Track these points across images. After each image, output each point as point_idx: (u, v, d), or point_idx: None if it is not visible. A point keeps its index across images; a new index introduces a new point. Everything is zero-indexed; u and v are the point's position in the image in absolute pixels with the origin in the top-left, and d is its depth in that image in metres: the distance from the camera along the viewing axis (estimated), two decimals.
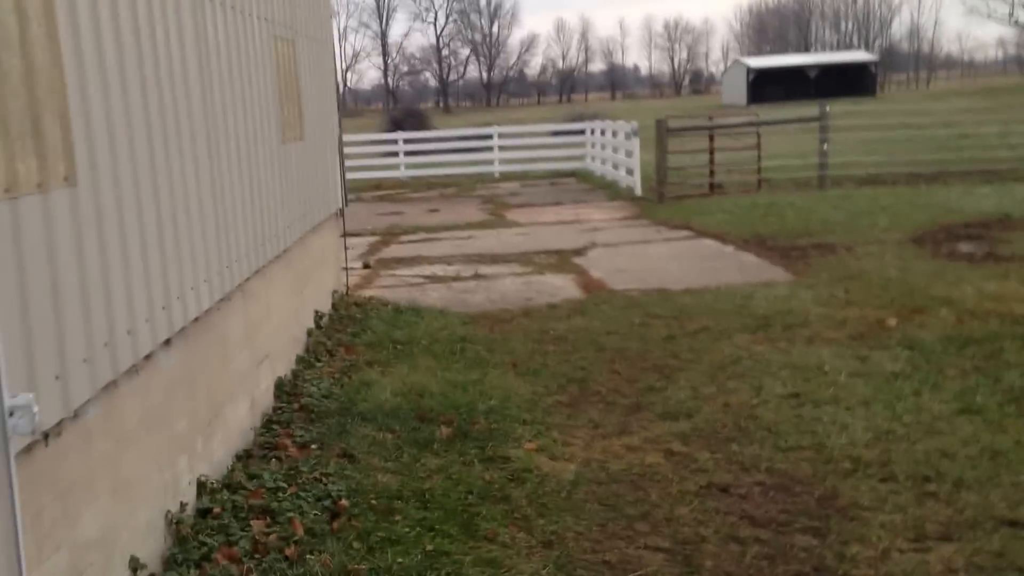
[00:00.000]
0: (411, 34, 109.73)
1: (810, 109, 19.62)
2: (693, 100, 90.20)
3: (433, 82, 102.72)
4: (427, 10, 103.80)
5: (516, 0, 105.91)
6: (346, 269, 9.89)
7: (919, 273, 9.29)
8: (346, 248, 9.88)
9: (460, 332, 7.96)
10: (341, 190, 9.25)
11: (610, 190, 20.51)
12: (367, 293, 9.90)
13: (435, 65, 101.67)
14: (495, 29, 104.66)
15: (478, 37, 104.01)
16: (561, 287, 10.10)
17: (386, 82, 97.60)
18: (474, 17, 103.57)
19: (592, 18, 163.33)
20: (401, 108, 59.93)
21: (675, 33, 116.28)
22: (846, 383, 6.20)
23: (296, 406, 5.87)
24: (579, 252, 12.37)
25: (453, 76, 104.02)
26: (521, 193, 21.55)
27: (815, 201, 14.93)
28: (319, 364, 6.78)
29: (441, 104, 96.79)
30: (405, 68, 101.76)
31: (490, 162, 25.95)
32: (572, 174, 24.94)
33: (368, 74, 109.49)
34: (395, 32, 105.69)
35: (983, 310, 7.70)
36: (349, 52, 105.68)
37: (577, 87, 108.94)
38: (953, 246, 10.68)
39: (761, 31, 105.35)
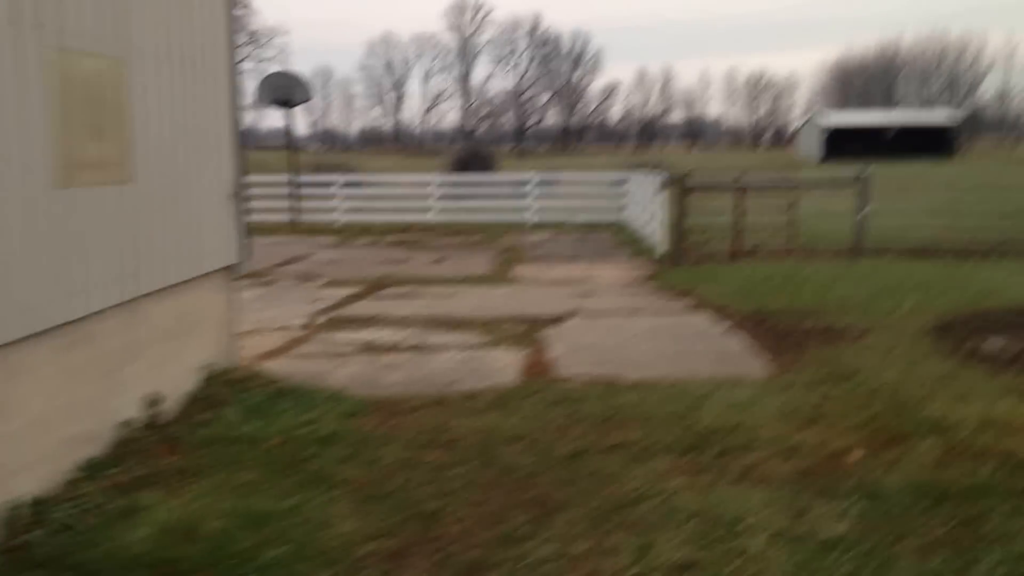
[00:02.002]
0: (493, 78, 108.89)
1: (882, 168, 17.83)
2: (769, 155, 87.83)
3: (511, 125, 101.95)
4: (510, 55, 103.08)
5: (599, 48, 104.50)
6: (252, 333, 8.51)
7: (922, 379, 7.54)
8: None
9: (332, 428, 6.48)
10: (236, 242, 7.87)
11: (636, 247, 18.93)
12: (268, 365, 8.49)
13: (514, 109, 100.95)
14: (576, 75, 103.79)
15: (559, 83, 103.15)
16: (501, 368, 8.57)
17: (462, 124, 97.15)
18: (556, 63, 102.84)
19: (674, 68, 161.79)
20: (467, 149, 59.06)
21: (757, 86, 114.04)
22: (762, 552, 4.57)
23: (15, 543, 4.44)
24: (554, 321, 10.83)
25: (533, 120, 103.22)
26: (544, 245, 20.07)
27: (841, 273, 13.15)
28: (110, 472, 5.33)
29: (517, 147, 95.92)
30: (485, 111, 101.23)
31: (524, 210, 24.52)
32: (609, 227, 23.40)
33: (449, 116, 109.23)
34: (477, 75, 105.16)
35: (980, 445, 5.95)
36: (432, 93, 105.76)
37: (656, 136, 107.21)
38: (979, 341, 8.87)
39: (845, 87, 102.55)
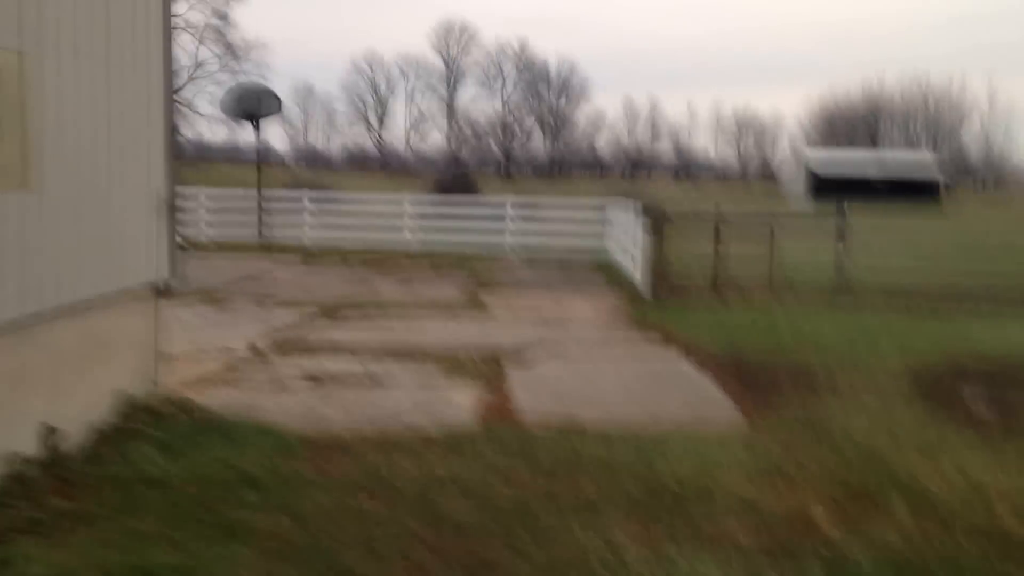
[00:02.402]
0: (477, 100, 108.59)
1: (867, 215, 17.36)
2: (756, 189, 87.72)
3: (496, 150, 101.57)
4: (495, 78, 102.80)
5: (585, 75, 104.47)
6: (170, 358, 7.88)
7: (896, 432, 6.96)
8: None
9: (255, 469, 5.83)
10: (165, 257, 7.25)
11: (615, 278, 18.38)
12: (199, 394, 7.84)
13: (499, 133, 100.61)
14: (562, 102, 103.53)
15: (545, 109, 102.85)
16: (457, 405, 7.97)
17: (448, 146, 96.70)
18: (542, 88, 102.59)
19: (660, 99, 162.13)
20: (450, 172, 58.67)
21: (742, 120, 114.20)
22: None
23: None
24: (518, 353, 10.22)
25: (517, 145, 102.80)
26: (519, 272, 19.50)
27: (820, 315, 12.61)
28: None
29: (502, 172, 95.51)
30: (469, 133, 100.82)
31: (501, 234, 23.95)
32: (590, 255, 22.84)
33: (432, 136, 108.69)
34: (462, 97, 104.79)
35: (955, 510, 5.37)
36: (414, 113, 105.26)
37: (642, 166, 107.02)
38: (958, 392, 8.33)
39: (830, 126, 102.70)
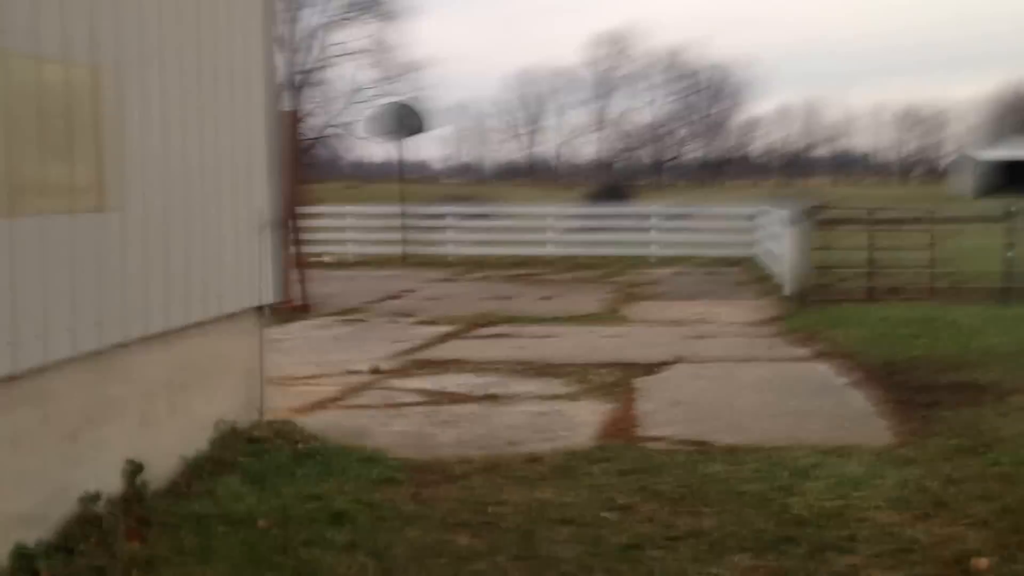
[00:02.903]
0: (630, 110, 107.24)
1: None
2: (920, 189, 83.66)
3: (649, 159, 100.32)
4: (648, 88, 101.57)
5: (739, 81, 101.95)
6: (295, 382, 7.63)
7: None
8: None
9: (345, 506, 5.41)
10: (270, 280, 7.00)
11: (765, 284, 17.49)
12: (309, 419, 7.55)
13: (653, 142, 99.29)
14: (717, 109, 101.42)
15: (699, 116, 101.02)
16: (577, 425, 7.45)
17: (600, 157, 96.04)
18: (695, 97, 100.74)
19: (818, 102, 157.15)
20: (603, 181, 58.12)
21: (907, 120, 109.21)
22: None
23: None
24: (652, 369, 9.62)
25: (672, 154, 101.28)
26: (664, 282, 18.81)
27: (987, 319, 11.50)
28: (44, 564, 4.34)
29: (656, 180, 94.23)
30: (622, 144, 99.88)
31: (647, 244, 23.26)
32: (740, 262, 21.92)
33: (586, 149, 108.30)
34: (615, 108, 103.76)
35: None
36: (569, 127, 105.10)
37: (800, 168, 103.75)
38: None
39: (1003, 122, 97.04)
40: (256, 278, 6.84)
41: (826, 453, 6.37)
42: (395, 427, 7.41)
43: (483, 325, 12.99)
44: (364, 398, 8.45)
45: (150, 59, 5.38)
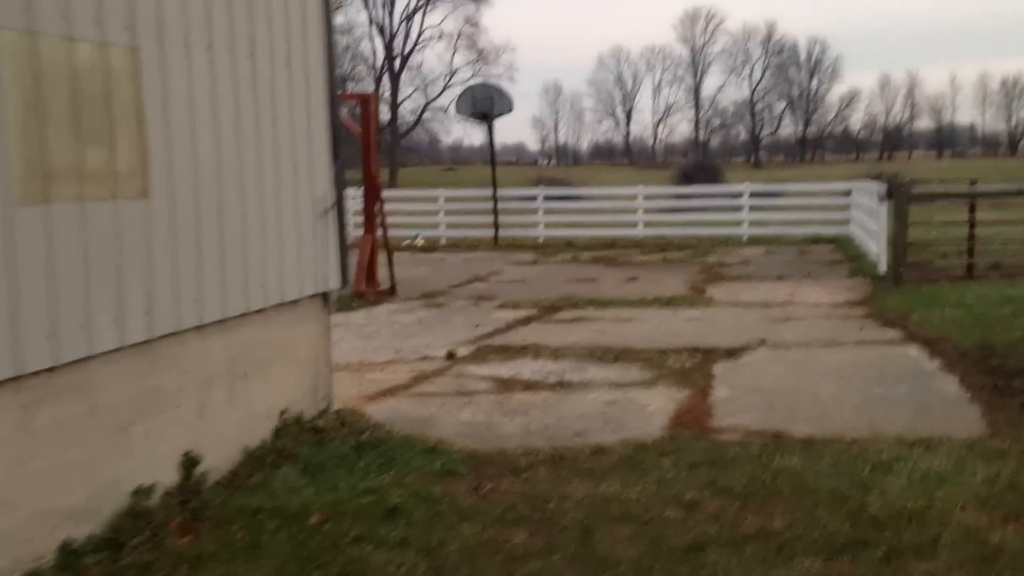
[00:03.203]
0: (726, 88, 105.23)
1: None
2: None
3: (745, 136, 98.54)
4: (743, 64, 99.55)
5: (838, 54, 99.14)
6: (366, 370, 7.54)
7: None
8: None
9: (401, 500, 5.28)
10: (334, 266, 6.91)
11: (856, 264, 16.91)
12: (375, 407, 7.48)
13: (748, 119, 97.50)
14: (814, 84, 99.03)
15: (795, 91, 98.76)
16: (649, 414, 7.22)
17: (694, 136, 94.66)
18: (792, 72, 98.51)
19: (920, 74, 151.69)
20: (693, 161, 57.31)
21: (1014, 91, 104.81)
22: None
23: None
24: (733, 353, 9.32)
25: (767, 130, 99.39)
26: (753, 262, 18.34)
27: None
28: (93, 559, 4.28)
29: (752, 159, 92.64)
30: (717, 122, 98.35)
31: (738, 223, 22.73)
32: (833, 240, 21.28)
33: (680, 128, 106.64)
34: (709, 86, 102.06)
35: None
36: (662, 106, 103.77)
37: (901, 145, 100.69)
38: None
39: None
40: (319, 265, 6.75)
41: (911, 445, 6.03)
42: (463, 416, 7.28)
43: (564, 308, 12.79)
44: (435, 385, 8.34)
45: (196, 40, 5.29)
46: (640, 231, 22.96)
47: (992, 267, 14.37)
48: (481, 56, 71.49)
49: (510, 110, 22.78)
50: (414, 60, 71.19)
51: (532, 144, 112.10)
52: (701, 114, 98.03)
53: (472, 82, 67.78)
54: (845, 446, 6.09)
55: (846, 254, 18.85)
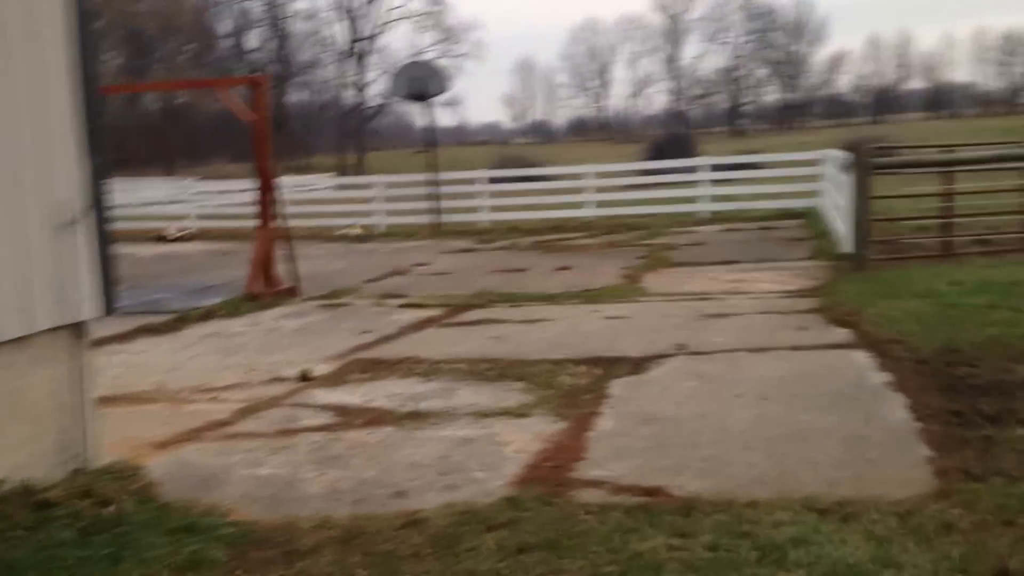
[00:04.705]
0: (705, 56, 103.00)
1: None
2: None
3: (726, 105, 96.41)
4: (721, 31, 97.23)
5: (824, 15, 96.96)
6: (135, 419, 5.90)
7: None
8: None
9: None
10: (87, 288, 5.24)
11: (820, 243, 15.30)
12: (165, 457, 5.84)
13: (728, 88, 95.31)
14: (798, 47, 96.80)
15: (777, 56, 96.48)
16: (503, 459, 5.61)
17: (672, 107, 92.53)
18: (774, 35, 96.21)
19: (912, 33, 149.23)
20: (665, 134, 55.66)
21: (1011, 47, 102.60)
22: None
23: None
24: (640, 365, 7.71)
25: (748, 99, 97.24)
26: (707, 243, 16.73)
27: None
28: None
29: (732, 127, 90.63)
30: (696, 92, 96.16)
31: (694, 199, 21.09)
32: (803, 215, 19.66)
33: (657, 100, 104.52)
34: (687, 55, 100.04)
35: None
36: (638, 78, 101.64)
37: (892, 107, 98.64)
38: None
39: None
40: (62, 290, 5.10)
41: (823, 514, 4.41)
42: (265, 469, 5.63)
43: (474, 307, 11.16)
44: (260, 421, 6.68)
45: None
46: (590, 212, 21.32)
47: (976, 242, 12.79)
48: (448, 35, 69.58)
49: (445, 89, 21.12)
50: (380, 42, 69.17)
51: (506, 122, 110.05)
52: (679, 85, 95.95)
53: (437, 63, 66.09)
54: (734, 515, 4.46)
55: (813, 231, 17.26)
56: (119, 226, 24.26)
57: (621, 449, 5.67)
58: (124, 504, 4.91)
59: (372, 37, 67.95)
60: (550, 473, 5.35)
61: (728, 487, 4.90)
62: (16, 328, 4.79)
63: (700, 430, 5.94)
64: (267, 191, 12.90)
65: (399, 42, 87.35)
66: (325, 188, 31.23)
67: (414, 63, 22.64)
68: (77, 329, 5.25)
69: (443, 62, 67.07)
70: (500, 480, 5.25)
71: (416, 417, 6.57)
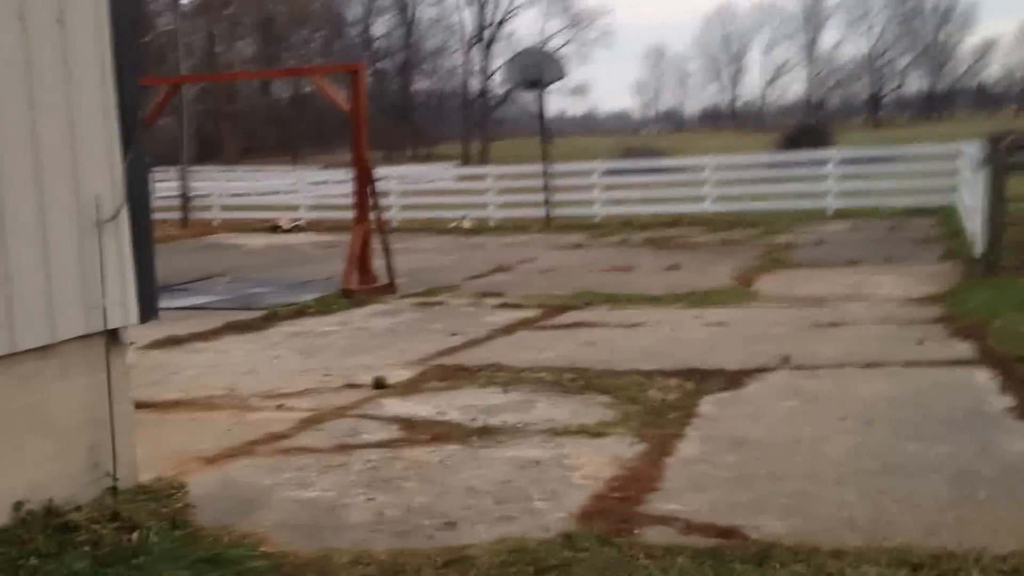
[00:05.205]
0: (843, 43, 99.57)
1: None
2: None
3: (865, 94, 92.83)
4: (862, 18, 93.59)
5: (972, 2, 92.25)
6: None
7: None
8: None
9: None
10: (119, 293, 4.96)
11: (954, 243, 14.28)
12: (212, 473, 5.54)
13: (868, 76, 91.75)
14: (943, 35, 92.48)
15: (922, 43, 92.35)
16: (570, 487, 5.13)
17: (808, 96, 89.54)
18: (918, 23, 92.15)
19: None
20: (798, 123, 53.86)
21: None
22: None
23: None
24: (737, 380, 7.12)
25: (890, 87, 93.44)
26: (830, 242, 15.83)
27: None
28: None
29: (871, 117, 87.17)
30: (833, 81, 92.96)
31: (822, 195, 20.09)
32: (938, 212, 18.48)
33: (793, 88, 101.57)
34: (825, 42, 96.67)
35: None
36: (773, 65, 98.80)
37: None
38: None
39: None
40: (95, 295, 4.83)
41: (915, 570, 3.80)
42: (311, 491, 5.27)
43: (572, 308, 10.68)
44: (320, 434, 6.33)
45: None
46: (709, 206, 20.52)
47: None
48: (575, 21, 68.94)
49: (560, 77, 20.61)
50: (505, 30, 68.90)
51: (635, 111, 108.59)
52: (816, 73, 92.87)
53: (565, 50, 65.53)
54: (815, 567, 3.90)
55: (947, 230, 16.18)
56: (237, 216, 24.48)
57: (700, 479, 5.12)
58: (149, 530, 4.59)
59: (499, 24, 67.82)
60: (617, 505, 4.84)
61: (813, 530, 4.32)
62: (38, 336, 4.53)
63: (791, 459, 5.34)
64: (364, 183, 12.65)
65: (526, 29, 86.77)
66: (444, 179, 31.10)
67: (528, 50, 22.19)
68: (111, 337, 4.98)
69: (569, 49, 66.60)
70: (561, 512, 4.77)
71: (485, 433, 6.13)
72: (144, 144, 5.08)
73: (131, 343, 9.34)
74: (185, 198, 24.51)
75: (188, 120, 25.76)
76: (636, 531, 4.49)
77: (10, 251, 4.37)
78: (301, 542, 4.56)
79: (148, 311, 5.20)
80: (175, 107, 26.44)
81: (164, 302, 12.33)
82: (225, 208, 25.39)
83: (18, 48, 4.38)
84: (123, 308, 4.99)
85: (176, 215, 24.52)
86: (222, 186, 28.24)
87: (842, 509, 4.58)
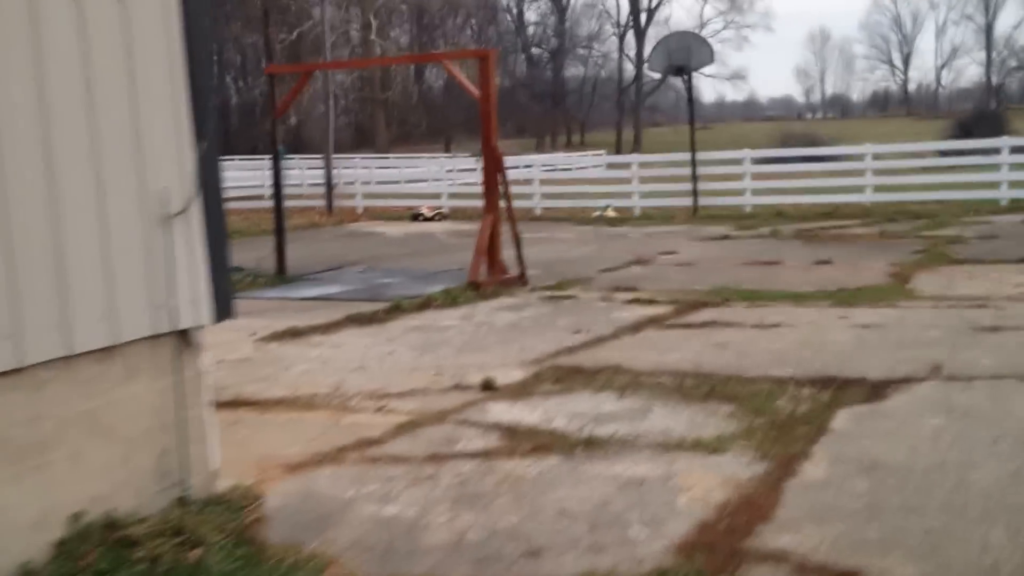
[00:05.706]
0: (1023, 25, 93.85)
1: None
2: None
3: None
4: None
5: None
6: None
7: None
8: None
9: None
10: (188, 291, 4.68)
11: None
12: (293, 482, 5.22)
13: None
14: None
15: None
16: (674, 512, 4.59)
17: (988, 79, 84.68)
18: None
19: None
20: (972, 109, 50.98)
21: None
22: None
23: None
24: (880, 391, 6.41)
25: None
26: (1000, 236, 14.64)
27: None
28: None
29: None
30: (1013, 63, 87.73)
31: (993, 185, 18.67)
32: None
33: (968, 72, 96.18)
34: (1004, 23, 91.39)
35: None
36: (947, 48, 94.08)
37: None
38: None
39: None
40: (163, 293, 4.56)
41: None
42: (393, 506, 4.87)
43: (706, 305, 10.04)
44: (412, 441, 5.94)
45: None
46: (867, 196, 19.35)
47: None
48: (733, 5, 67.13)
49: (710, 61, 19.83)
50: (661, 14, 67.63)
51: (799, 97, 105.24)
52: (994, 56, 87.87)
53: (723, 35, 63.82)
54: None
55: None
56: (381, 204, 24.53)
57: (823, 509, 4.50)
58: (212, 548, 4.28)
59: (654, 9, 66.66)
60: (724, 537, 4.28)
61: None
62: (98, 338, 4.27)
63: (931, 488, 4.66)
64: (493, 172, 12.27)
65: (684, 13, 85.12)
66: (590, 167, 30.55)
67: (676, 34, 21.38)
68: (183, 337, 4.69)
69: (727, 34, 64.85)
70: (659, 543, 4.24)
71: (591, 445, 5.64)
72: (213, 134, 4.76)
73: (252, 335, 9.36)
74: (329, 185, 24.72)
75: (338, 109, 26.00)
76: (740, 570, 3.93)
77: (67, 247, 4.11)
78: (370, 566, 4.18)
79: (223, 310, 4.90)
80: (322, 96, 26.76)
81: (293, 292, 12.36)
82: (369, 196, 25.51)
83: (73, 27, 4.11)
84: (194, 307, 4.70)
85: (322, 203, 24.78)
86: (367, 174, 28.46)
87: (983, 553, 3.91)
